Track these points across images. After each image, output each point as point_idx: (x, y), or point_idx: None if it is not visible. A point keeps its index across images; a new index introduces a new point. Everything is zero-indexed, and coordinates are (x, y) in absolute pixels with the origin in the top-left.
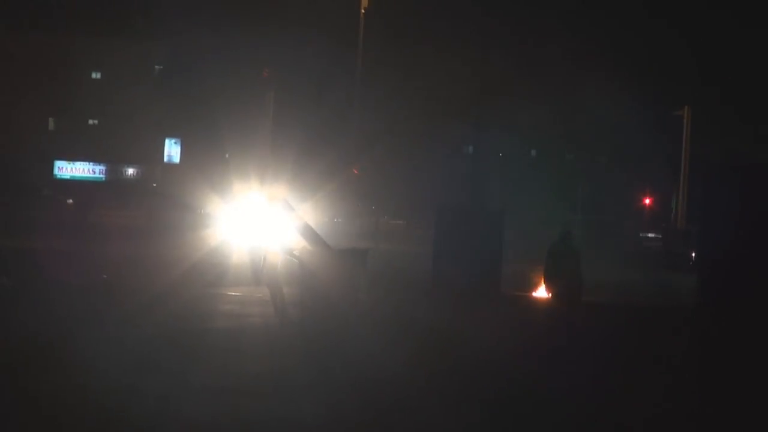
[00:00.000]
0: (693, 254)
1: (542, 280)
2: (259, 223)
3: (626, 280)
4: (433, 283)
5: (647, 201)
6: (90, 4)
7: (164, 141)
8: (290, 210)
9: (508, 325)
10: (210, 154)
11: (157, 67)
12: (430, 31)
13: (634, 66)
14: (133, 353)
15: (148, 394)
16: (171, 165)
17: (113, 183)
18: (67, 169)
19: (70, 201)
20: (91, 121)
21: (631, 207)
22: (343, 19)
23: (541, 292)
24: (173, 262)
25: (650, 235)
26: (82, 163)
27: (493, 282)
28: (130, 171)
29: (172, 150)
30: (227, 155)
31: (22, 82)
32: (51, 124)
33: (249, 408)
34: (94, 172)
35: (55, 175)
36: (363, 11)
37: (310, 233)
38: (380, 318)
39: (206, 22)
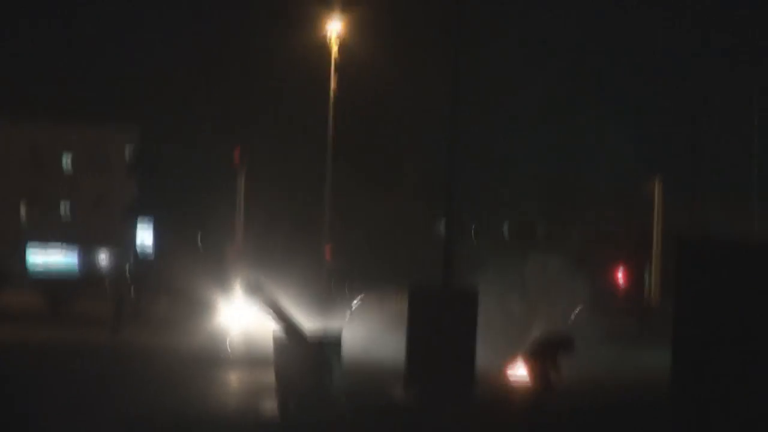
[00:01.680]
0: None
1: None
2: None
3: (603, 358)
4: (407, 377)
5: (620, 276)
6: (57, 89)
7: (136, 224)
8: (261, 289)
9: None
10: (183, 237)
11: (127, 150)
12: (401, 107)
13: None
14: None
15: None
16: (143, 248)
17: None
18: (41, 255)
19: None
20: (62, 207)
21: (602, 281)
22: (316, 97)
23: (519, 371)
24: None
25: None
26: (55, 248)
27: (467, 373)
28: (103, 255)
29: (144, 233)
30: (199, 236)
31: None
32: (22, 211)
33: None
34: (68, 258)
35: (29, 261)
36: (333, 93)
37: (281, 316)
38: (355, 411)
39: (177, 102)
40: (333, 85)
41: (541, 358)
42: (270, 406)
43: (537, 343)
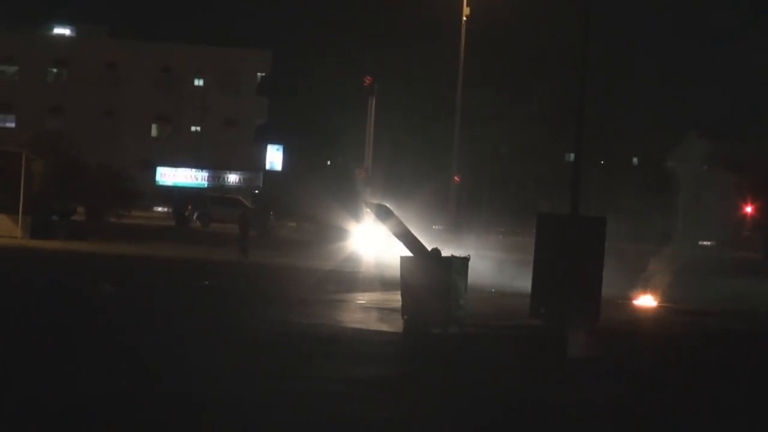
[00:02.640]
0: None
1: None
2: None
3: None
4: (533, 296)
5: (749, 209)
6: (190, 14)
7: (266, 147)
8: (389, 215)
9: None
10: (312, 161)
11: (259, 74)
12: (532, 37)
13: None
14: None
15: (245, 397)
16: (273, 172)
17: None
18: (170, 176)
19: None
20: (193, 128)
21: (732, 215)
22: (445, 27)
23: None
24: (308, 271)
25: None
26: (184, 169)
27: (593, 297)
28: (232, 178)
29: (274, 156)
30: (329, 162)
31: (124, 89)
32: (153, 130)
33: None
34: (197, 179)
35: (158, 181)
36: (465, 18)
37: (409, 239)
38: (481, 331)
39: (309, 30)
40: (465, 11)
41: None
42: (396, 323)
43: None
